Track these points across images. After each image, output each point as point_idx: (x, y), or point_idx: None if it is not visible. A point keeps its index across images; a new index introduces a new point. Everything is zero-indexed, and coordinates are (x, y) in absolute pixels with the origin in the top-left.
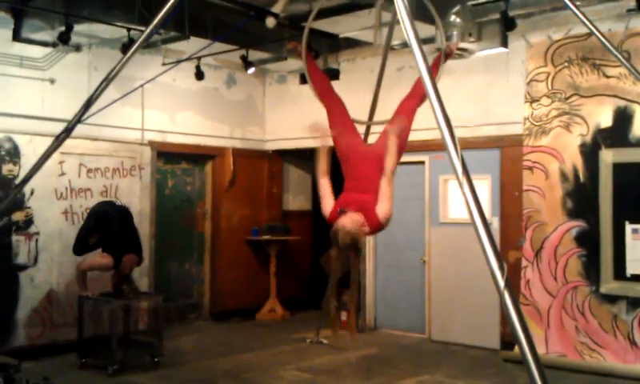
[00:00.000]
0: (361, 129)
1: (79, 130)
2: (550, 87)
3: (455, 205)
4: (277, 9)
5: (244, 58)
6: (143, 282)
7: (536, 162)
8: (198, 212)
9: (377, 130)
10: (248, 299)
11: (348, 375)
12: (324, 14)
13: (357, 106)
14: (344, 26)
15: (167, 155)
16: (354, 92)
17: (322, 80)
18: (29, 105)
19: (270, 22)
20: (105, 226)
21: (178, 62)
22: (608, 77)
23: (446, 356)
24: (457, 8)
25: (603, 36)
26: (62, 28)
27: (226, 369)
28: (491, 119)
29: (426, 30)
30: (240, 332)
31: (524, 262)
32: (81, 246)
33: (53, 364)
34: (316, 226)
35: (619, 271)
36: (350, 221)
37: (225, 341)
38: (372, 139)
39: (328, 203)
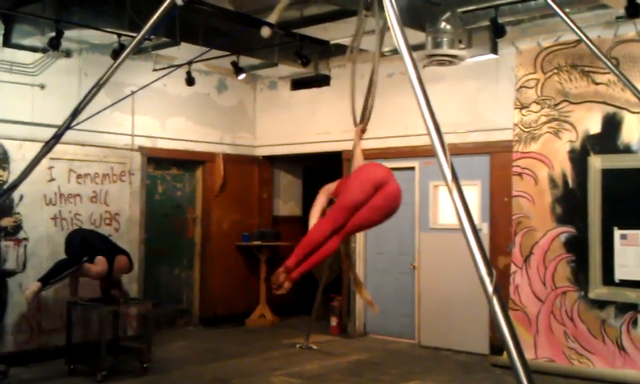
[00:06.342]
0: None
1: (69, 135)
2: (539, 94)
3: (445, 210)
4: (272, 19)
5: (235, 64)
6: (133, 287)
7: (525, 168)
8: (188, 217)
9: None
10: (238, 305)
11: (338, 381)
12: (315, 20)
13: (348, 112)
14: (335, 33)
15: (157, 161)
16: (345, 98)
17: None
18: (19, 110)
19: (266, 31)
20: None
21: (170, 68)
22: (597, 83)
23: (435, 361)
24: (447, 15)
25: (592, 43)
26: (53, 34)
27: (215, 375)
28: (481, 125)
29: (416, 36)
30: (229, 338)
31: (513, 268)
32: (53, 273)
33: (41, 370)
34: (306, 231)
35: (608, 277)
36: None
37: (214, 347)
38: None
39: None
